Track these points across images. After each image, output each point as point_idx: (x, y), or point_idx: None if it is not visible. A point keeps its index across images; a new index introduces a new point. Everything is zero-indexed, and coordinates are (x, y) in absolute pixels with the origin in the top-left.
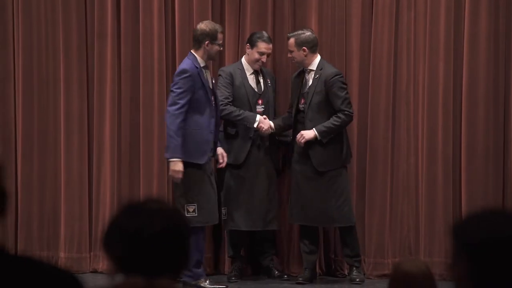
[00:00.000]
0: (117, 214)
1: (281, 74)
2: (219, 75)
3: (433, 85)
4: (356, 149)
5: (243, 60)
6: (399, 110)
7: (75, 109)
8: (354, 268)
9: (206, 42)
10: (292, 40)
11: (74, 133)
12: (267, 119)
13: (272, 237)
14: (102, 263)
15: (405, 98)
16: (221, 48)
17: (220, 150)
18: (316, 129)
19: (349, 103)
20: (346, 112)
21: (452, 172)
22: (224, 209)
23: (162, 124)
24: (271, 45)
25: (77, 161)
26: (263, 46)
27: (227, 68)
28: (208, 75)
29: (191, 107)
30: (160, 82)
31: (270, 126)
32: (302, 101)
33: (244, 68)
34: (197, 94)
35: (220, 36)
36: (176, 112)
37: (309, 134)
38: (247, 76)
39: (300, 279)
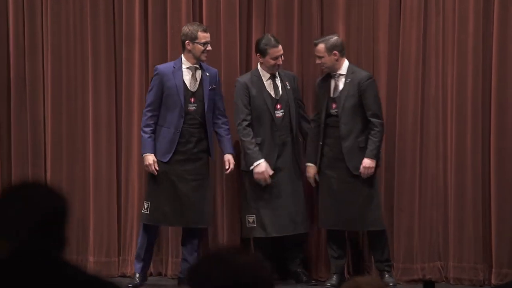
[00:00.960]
0: (204, 257)
1: (309, 78)
2: (235, 86)
3: (462, 89)
4: (384, 153)
5: (259, 67)
6: (428, 115)
7: (103, 114)
8: (385, 272)
9: (187, 42)
10: (322, 46)
11: (103, 137)
12: (265, 172)
13: (300, 242)
14: (130, 268)
15: (433, 102)
16: (207, 48)
17: (227, 157)
18: (369, 156)
19: (381, 107)
20: (377, 121)
21: (481, 176)
22: (251, 216)
23: None
24: (280, 46)
25: (106, 165)
26: (274, 51)
27: (242, 78)
28: (192, 76)
29: (163, 105)
30: None
31: (265, 179)
32: (334, 105)
33: (261, 74)
34: (166, 92)
35: (202, 35)
36: (145, 110)
37: (369, 163)
38: (264, 82)
39: (328, 284)
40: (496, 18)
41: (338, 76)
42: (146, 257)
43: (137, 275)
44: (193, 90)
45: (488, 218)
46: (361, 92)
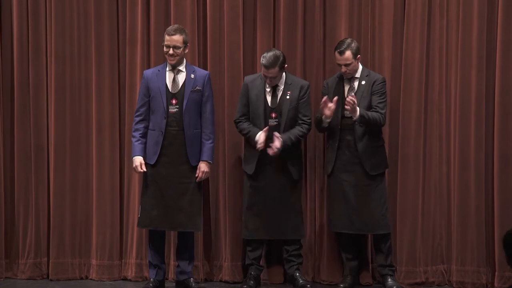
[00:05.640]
0: None
1: (311, 81)
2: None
3: (466, 93)
4: (387, 157)
5: None
6: (431, 118)
7: (106, 116)
8: (388, 276)
9: (162, 45)
10: (349, 53)
11: (106, 140)
12: (262, 135)
13: (299, 246)
14: (131, 271)
15: (437, 106)
16: (169, 51)
17: (200, 164)
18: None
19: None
20: (382, 114)
21: (484, 180)
22: (242, 217)
23: None
24: (270, 70)
25: (109, 168)
26: (264, 71)
27: (249, 77)
28: (174, 78)
29: (150, 108)
30: None
31: (263, 139)
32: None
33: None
34: (151, 94)
35: (166, 37)
36: (134, 115)
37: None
38: (266, 88)
39: (342, 285)
40: (500, 22)
41: (353, 79)
42: (157, 263)
43: (152, 280)
44: (173, 92)
45: (491, 221)
46: (372, 92)
